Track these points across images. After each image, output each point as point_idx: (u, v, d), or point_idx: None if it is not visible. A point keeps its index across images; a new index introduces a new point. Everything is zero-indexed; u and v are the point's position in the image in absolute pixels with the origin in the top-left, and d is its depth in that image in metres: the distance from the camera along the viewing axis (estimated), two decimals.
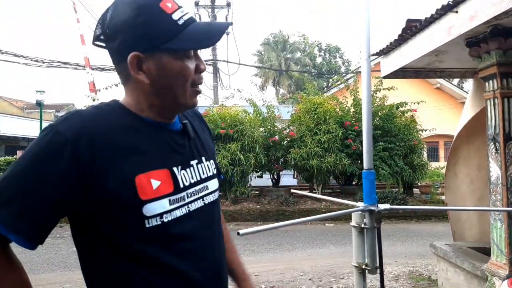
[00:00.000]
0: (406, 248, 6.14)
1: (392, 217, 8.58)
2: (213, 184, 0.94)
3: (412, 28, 3.06)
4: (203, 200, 0.90)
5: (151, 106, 0.85)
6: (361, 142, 8.98)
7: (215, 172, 0.97)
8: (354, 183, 10.71)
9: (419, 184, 11.03)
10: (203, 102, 16.24)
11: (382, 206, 0.97)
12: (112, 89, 9.87)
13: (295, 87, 28.97)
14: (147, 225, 0.78)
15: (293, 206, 8.85)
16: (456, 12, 2.53)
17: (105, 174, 0.75)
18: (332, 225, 8.13)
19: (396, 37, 3.29)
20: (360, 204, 1.00)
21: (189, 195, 0.86)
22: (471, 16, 2.39)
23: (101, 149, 0.75)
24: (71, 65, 13.73)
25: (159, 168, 0.81)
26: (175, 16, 0.80)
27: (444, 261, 3.55)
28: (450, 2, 2.52)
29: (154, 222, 0.78)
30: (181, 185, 0.84)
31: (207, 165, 0.94)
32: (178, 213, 0.82)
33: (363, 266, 0.98)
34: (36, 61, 12.62)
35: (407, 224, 8.34)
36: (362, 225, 0.99)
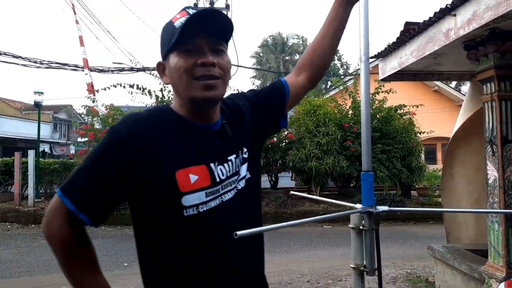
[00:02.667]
0: (403, 250, 6.14)
1: (390, 219, 8.58)
2: (244, 168, 1.03)
3: (411, 31, 3.08)
4: (236, 188, 0.99)
5: (181, 105, 0.98)
6: (359, 144, 9.01)
7: (246, 156, 1.04)
8: (352, 185, 10.72)
9: (417, 186, 11.05)
10: None
11: (381, 208, 0.97)
12: (110, 90, 9.86)
13: None
14: (185, 214, 0.89)
15: (291, 208, 8.84)
16: (454, 15, 2.54)
17: (151, 167, 0.88)
18: (330, 227, 8.13)
19: (395, 40, 3.30)
20: (359, 206, 1.00)
21: (223, 187, 0.96)
22: (469, 19, 2.40)
23: (148, 146, 0.89)
24: (69, 66, 13.70)
25: (197, 165, 0.92)
26: (176, 23, 0.93)
27: (441, 263, 3.55)
28: (448, 6, 2.53)
29: (191, 211, 0.90)
30: (217, 179, 0.94)
31: (243, 156, 1.03)
32: (213, 204, 0.93)
33: (361, 268, 0.98)
34: (35, 62, 12.58)
35: (405, 226, 8.35)
36: (361, 227, 0.99)
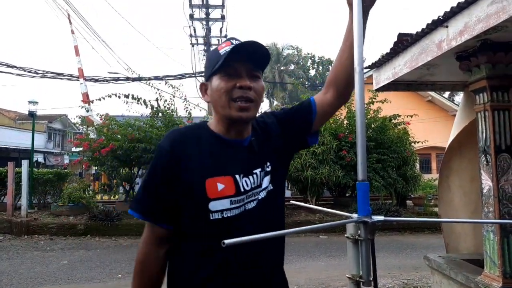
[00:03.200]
0: (400, 260, 6.12)
1: (386, 229, 8.57)
2: (266, 180, 1.14)
3: (404, 42, 3.12)
4: (257, 199, 1.11)
5: (218, 121, 1.12)
6: (355, 153, 9.02)
7: (268, 169, 1.15)
8: (347, 194, 10.71)
9: (412, 196, 11.06)
10: (198, 113, 16.23)
11: (376, 218, 0.97)
12: (105, 100, 9.83)
13: (289, 99, 29.15)
14: (211, 218, 1.03)
15: (287, 218, 8.80)
16: (446, 26, 2.58)
17: (186, 174, 1.04)
18: (326, 237, 8.10)
19: (388, 51, 3.34)
20: (354, 216, 1.00)
21: (247, 197, 1.08)
22: (460, 31, 2.44)
23: (186, 156, 1.05)
24: (64, 75, 13.68)
25: (224, 175, 1.06)
26: (221, 51, 1.08)
27: (438, 273, 3.54)
28: (440, 17, 2.57)
29: (216, 216, 1.03)
30: (242, 190, 1.07)
31: (266, 169, 1.15)
32: (237, 211, 1.06)
33: (357, 279, 0.98)
34: (30, 71, 12.56)
35: (401, 236, 8.33)
36: (356, 237, 0.98)
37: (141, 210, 1.07)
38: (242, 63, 1.07)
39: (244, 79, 1.07)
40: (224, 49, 1.07)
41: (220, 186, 1.04)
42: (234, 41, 1.09)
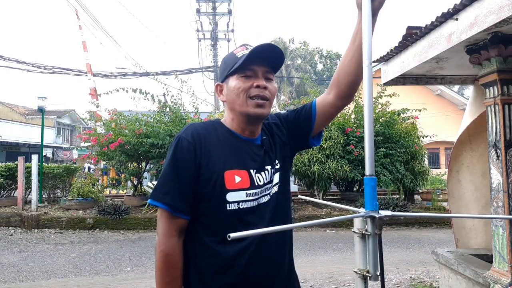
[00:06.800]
0: (407, 255, 6.10)
1: (394, 223, 8.54)
2: (276, 177, 1.22)
3: (413, 35, 3.07)
4: (270, 193, 1.18)
5: (233, 119, 1.19)
6: (362, 148, 8.99)
7: (277, 167, 1.23)
8: (355, 189, 10.67)
9: (420, 190, 10.98)
10: (205, 108, 16.28)
11: (384, 213, 0.97)
12: (113, 95, 9.90)
13: (296, 93, 29.02)
14: (228, 208, 1.09)
15: (293, 213, 8.82)
16: (456, 19, 2.54)
17: (207, 165, 1.09)
18: (333, 231, 8.10)
19: (397, 44, 3.30)
20: (362, 210, 0.99)
21: (261, 192, 1.15)
22: (471, 23, 2.40)
23: (206, 148, 1.11)
24: (73, 71, 13.80)
25: (240, 169, 1.13)
26: (238, 54, 1.16)
27: (446, 268, 3.52)
28: (450, 10, 2.53)
29: (233, 206, 1.09)
30: (256, 184, 1.14)
31: (276, 167, 1.22)
32: (251, 204, 1.12)
33: (365, 273, 0.98)
34: (38, 67, 12.68)
35: (409, 231, 8.30)
36: (364, 232, 0.98)
37: (164, 200, 1.08)
38: (258, 65, 1.15)
39: (261, 79, 1.15)
40: (241, 52, 1.16)
41: (237, 179, 1.10)
42: (248, 46, 1.17)
